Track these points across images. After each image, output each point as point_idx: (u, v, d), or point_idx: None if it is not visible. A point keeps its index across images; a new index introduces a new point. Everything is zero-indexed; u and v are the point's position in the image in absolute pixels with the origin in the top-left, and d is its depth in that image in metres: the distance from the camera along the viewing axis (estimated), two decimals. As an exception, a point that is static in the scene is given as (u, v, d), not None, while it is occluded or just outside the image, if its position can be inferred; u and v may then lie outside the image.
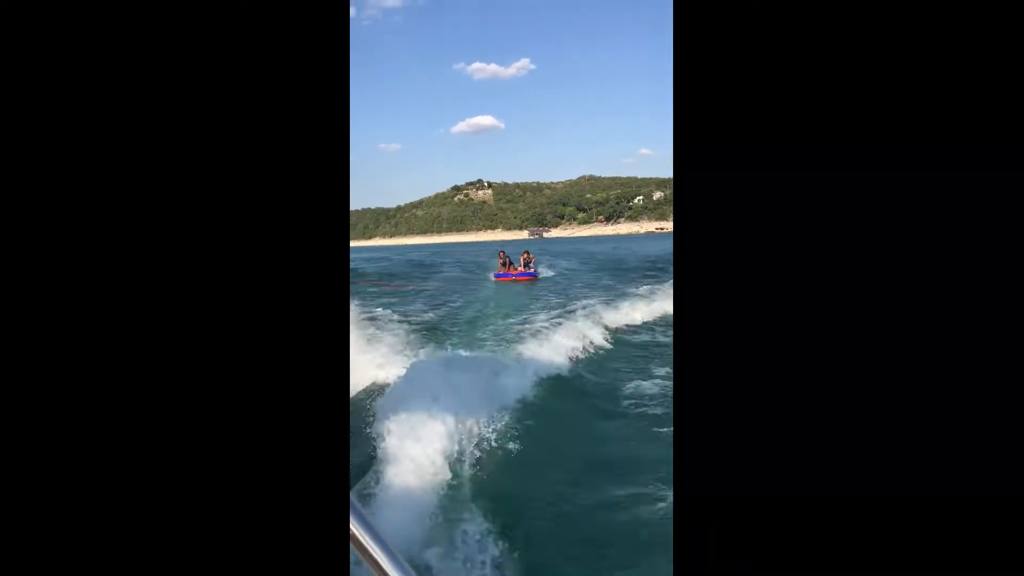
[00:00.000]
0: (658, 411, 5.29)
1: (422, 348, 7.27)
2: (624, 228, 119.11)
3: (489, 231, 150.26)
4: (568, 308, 10.50)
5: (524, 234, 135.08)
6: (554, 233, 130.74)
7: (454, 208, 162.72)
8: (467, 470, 4.02)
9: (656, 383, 6.21)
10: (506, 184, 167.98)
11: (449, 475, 3.88)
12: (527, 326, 8.81)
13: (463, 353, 6.77)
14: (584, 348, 7.36)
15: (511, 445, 4.39)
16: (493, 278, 18.25)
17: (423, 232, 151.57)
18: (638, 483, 3.68)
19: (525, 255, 18.90)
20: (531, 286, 15.85)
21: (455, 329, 9.42)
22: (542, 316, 9.77)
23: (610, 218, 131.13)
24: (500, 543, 3.16)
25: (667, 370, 6.65)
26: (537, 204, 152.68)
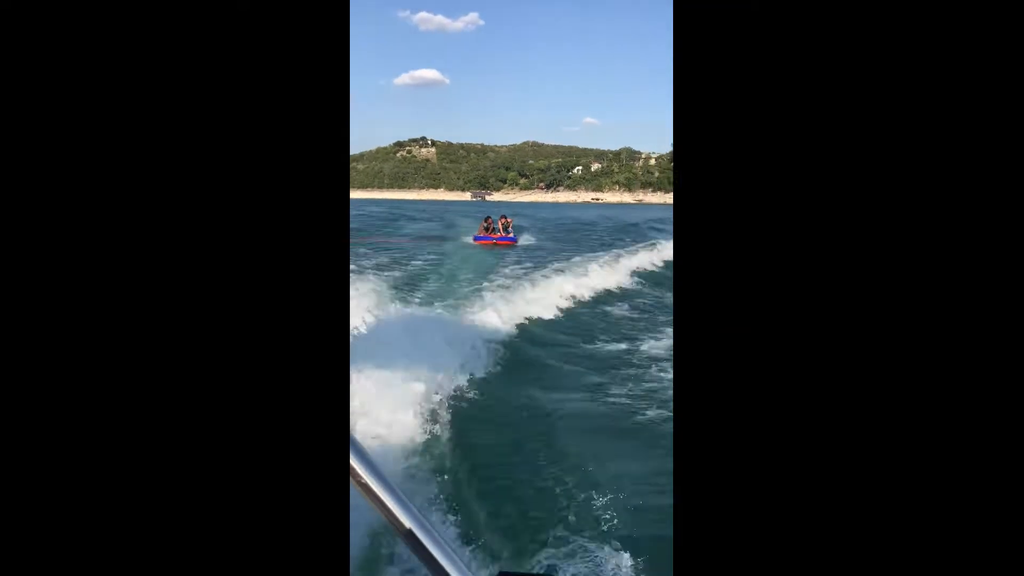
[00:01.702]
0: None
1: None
2: (562, 196, 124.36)
3: (431, 190, 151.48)
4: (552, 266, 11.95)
5: (467, 195, 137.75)
6: (496, 197, 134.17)
7: (396, 164, 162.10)
8: (466, 463, 3.99)
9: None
10: (450, 144, 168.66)
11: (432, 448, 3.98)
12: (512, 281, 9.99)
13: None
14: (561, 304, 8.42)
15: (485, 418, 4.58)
16: (473, 240, 19.08)
17: (363, 187, 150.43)
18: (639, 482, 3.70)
19: (503, 219, 19.63)
20: (510, 250, 16.96)
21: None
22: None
23: (550, 186, 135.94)
24: (494, 532, 3.16)
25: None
26: (480, 167, 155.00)
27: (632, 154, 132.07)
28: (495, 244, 18.14)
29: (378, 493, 0.54)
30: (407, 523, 0.54)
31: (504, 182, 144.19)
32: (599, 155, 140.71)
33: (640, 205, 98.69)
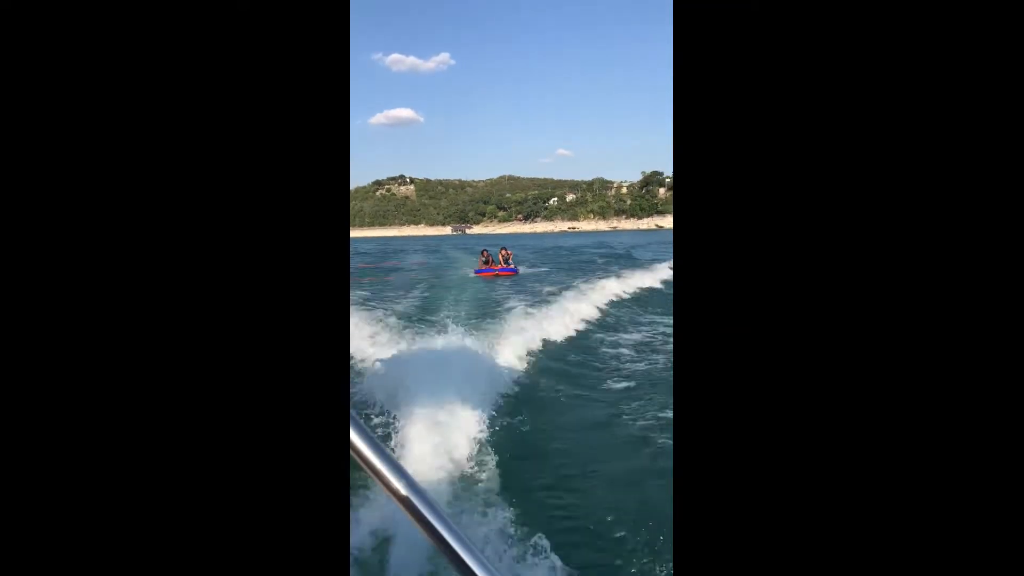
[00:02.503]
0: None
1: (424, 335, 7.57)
2: (540, 227, 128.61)
3: (412, 226, 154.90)
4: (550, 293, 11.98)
5: (447, 230, 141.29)
6: (476, 230, 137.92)
7: (376, 203, 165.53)
8: (463, 459, 4.05)
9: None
10: (428, 180, 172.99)
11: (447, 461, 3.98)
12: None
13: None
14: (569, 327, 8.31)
15: (504, 433, 4.55)
16: (473, 273, 18.74)
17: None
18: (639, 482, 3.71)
19: (504, 252, 19.49)
20: (513, 281, 16.83)
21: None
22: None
23: (528, 217, 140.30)
24: (498, 531, 3.15)
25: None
26: (459, 201, 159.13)
27: (604, 184, 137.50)
28: (496, 275, 17.98)
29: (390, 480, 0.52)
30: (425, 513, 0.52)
31: (483, 215, 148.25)
32: (573, 186, 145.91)
33: (614, 231, 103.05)
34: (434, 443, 4.16)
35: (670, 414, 4.93)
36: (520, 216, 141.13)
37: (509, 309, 10.27)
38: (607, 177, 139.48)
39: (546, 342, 7.61)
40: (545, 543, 3.00)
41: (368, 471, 0.52)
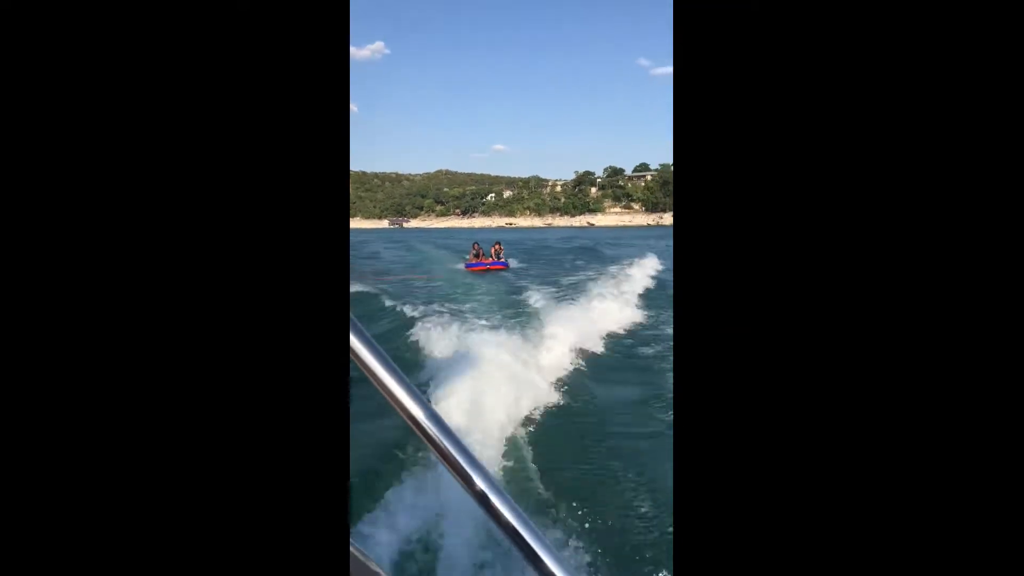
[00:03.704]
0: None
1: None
2: (478, 222, 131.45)
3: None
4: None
5: (384, 223, 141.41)
6: (414, 224, 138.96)
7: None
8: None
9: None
10: (364, 173, 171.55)
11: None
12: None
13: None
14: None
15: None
16: (465, 268, 18.89)
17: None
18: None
19: (496, 246, 19.85)
20: (502, 274, 17.24)
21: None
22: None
23: (466, 212, 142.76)
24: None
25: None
26: (396, 195, 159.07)
27: (540, 182, 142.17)
28: (487, 270, 18.18)
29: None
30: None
31: (421, 209, 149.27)
32: (510, 182, 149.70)
33: (550, 228, 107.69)
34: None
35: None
36: (458, 211, 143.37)
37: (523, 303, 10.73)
38: (543, 175, 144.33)
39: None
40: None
41: (438, 455, 0.53)
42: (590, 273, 16.11)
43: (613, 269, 16.57)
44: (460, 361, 6.17)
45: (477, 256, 19.39)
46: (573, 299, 11.01)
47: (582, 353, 7.40)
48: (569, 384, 6.29)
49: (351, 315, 0.53)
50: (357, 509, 3.68)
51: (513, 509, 0.53)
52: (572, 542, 3.38)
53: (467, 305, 11.57)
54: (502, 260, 18.95)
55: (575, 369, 6.86)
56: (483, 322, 9.22)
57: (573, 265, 20.78)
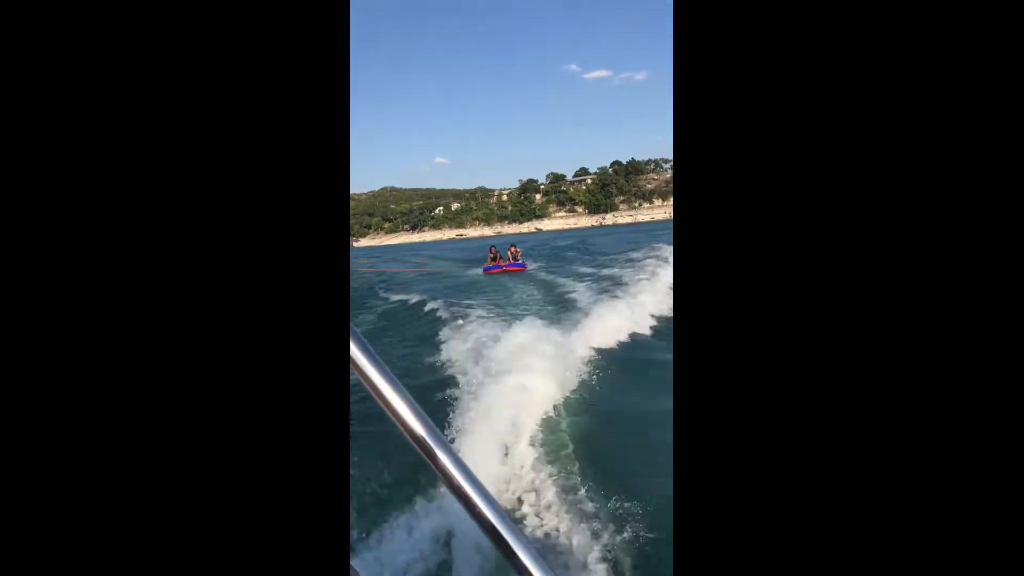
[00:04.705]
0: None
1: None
2: (428, 236, 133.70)
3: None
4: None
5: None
6: (364, 243, 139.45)
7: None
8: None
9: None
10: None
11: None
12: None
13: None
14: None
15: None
16: (483, 271, 19.39)
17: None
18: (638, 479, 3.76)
19: (513, 249, 20.53)
20: (519, 276, 17.74)
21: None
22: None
23: (415, 227, 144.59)
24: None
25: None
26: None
27: (486, 192, 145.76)
28: (504, 271, 18.84)
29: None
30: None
31: (369, 228, 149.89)
32: (456, 194, 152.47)
33: (499, 236, 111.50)
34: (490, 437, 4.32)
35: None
36: (407, 226, 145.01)
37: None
38: (488, 186, 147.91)
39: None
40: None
41: (427, 460, 0.51)
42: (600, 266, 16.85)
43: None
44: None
45: (494, 259, 20.16)
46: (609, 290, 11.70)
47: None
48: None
49: (351, 325, 0.52)
50: (356, 528, 3.54)
51: (511, 530, 0.52)
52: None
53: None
54: (520, 262, 19.55)
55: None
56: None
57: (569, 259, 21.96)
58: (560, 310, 10.56)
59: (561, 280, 15.63)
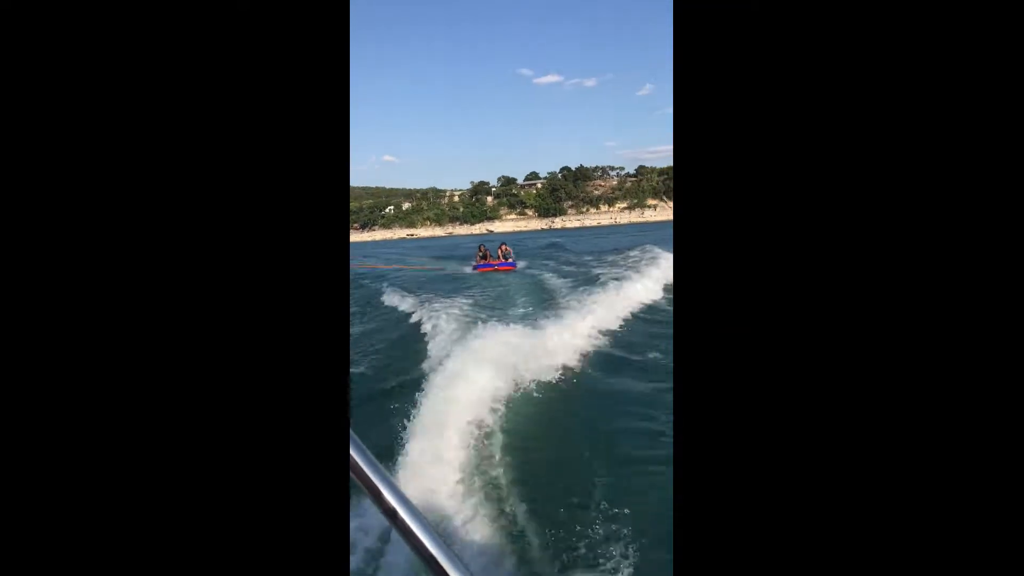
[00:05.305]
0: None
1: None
2: (379, 235, 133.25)
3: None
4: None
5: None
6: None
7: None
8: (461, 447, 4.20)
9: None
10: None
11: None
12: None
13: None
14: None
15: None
16: (474, 269, 19.08)
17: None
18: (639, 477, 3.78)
19: (503, 247, 20.21)
20: (510, 275, 17.27)
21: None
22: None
23: (365, 226, 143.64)
24: (494, 530, 3.20)
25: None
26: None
27: (438, 192, 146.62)
28: (495, 270, 18.43)
29: (384, 493, 0.51)
30: (409, 522, 0.52)
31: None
32: (407, 194, 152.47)
33: (451, 236, 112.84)
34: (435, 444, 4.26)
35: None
36: (356, 225, 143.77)
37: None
38: (439, 186, 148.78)
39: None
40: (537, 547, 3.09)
41: (360, 484, 0.51)
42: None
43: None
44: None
45: (484, 257, 20.00)
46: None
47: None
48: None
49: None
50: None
51: (421, 523, 0.52)
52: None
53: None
54: (510, 261, 19.23)
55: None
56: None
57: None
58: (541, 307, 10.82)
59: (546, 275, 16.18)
